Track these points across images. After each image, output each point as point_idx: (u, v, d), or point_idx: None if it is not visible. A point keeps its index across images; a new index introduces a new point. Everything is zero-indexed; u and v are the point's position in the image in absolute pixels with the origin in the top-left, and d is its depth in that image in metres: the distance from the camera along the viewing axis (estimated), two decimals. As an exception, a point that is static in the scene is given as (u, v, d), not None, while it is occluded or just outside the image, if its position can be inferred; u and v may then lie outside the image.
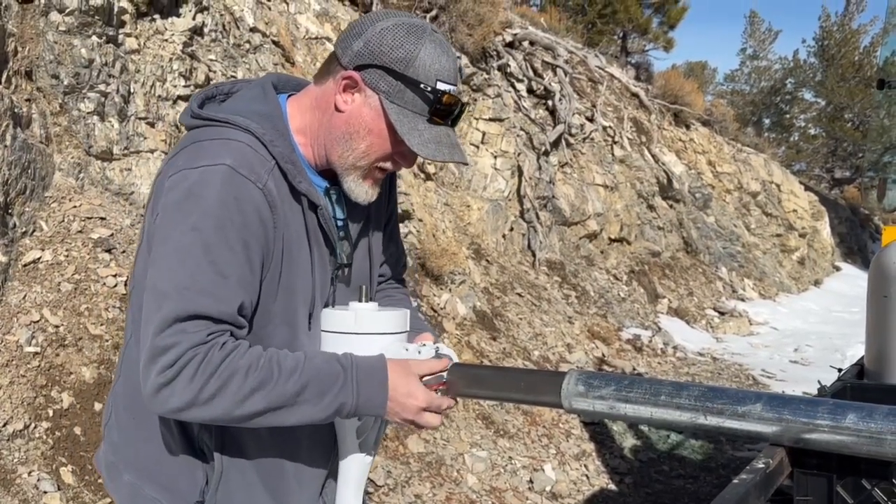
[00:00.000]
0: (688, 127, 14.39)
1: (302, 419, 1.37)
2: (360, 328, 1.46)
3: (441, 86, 1.41)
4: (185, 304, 1.31)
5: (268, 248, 1.40)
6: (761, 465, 1.31)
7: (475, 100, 8.58)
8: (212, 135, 1.43)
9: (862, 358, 2.98)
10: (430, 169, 7.57)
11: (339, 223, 1.54)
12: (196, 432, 1.45)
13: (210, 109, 1.49)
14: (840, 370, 2.99)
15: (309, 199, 1.45)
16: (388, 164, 1.49)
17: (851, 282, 16.24)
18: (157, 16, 4.95)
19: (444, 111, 1.43)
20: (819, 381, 2.70)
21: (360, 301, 1.50)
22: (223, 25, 5.67)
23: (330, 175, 1.52)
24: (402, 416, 1.44)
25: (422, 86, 1.40)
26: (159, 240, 1.37)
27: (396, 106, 1.41)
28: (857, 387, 2.56)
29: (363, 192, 1.49)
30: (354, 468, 1.54)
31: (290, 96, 1.55)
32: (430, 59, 1.40)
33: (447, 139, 1.45)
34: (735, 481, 1.24)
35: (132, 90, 4.58)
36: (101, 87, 4.34)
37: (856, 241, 21.16)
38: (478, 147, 8.41)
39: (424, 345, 1.50)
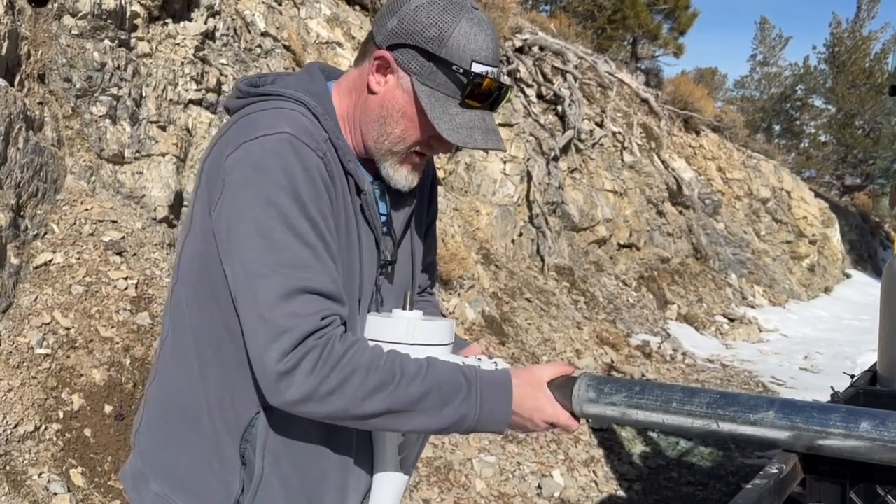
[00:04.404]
0: (698, 133, 14.36)
1: (420, 427, 1.32)
2: (413, 338, 1.38)
3: (476, 67, 1.33)
4: (284, 281, 1.24)
5: (332, 220, 1.34)
6: (774, 471, 1.30)
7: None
8: (262, 107, 1.37)
9: (875, 364, 2.97)
10: (439, 174, 7.58)
11: (383, 218, 1.47)
12: (241, 437, 1.37)
13: None
14: (853, 377, 2.97)
15: (355, 182, 1.39)
16: (424, 149, 1.42)
17: (862, 289, 16.16)
18: (169, 20, 4.98)
19: (480, 94, 1.34)
20: (832, 388, 2.68)
21: (404, 309, 1.43)
22: (234, 30, 5.69)
23: (372, 168, 1.46)
24: (527, 428, 1.39)
25: (454, 67, 1.32)
26: (233, 221, 1.28)
27: (428, 88, 1.34)
28: (870, 393, 2.55)
29: (402, 177, 1.43)
30: (392, 486, 1.48)
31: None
32: (465, 39, 1.32)
33: (482, 124, 1.37)
34: (748, 486, 1.24)
35: (144, 94, 4.60)
36: (113, 90, 4.36)
37: (866, 249, 21.06)
38: (487, 152, 8.41)
39: (480, 358, 1.43)
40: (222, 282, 1.33)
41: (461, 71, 1.32)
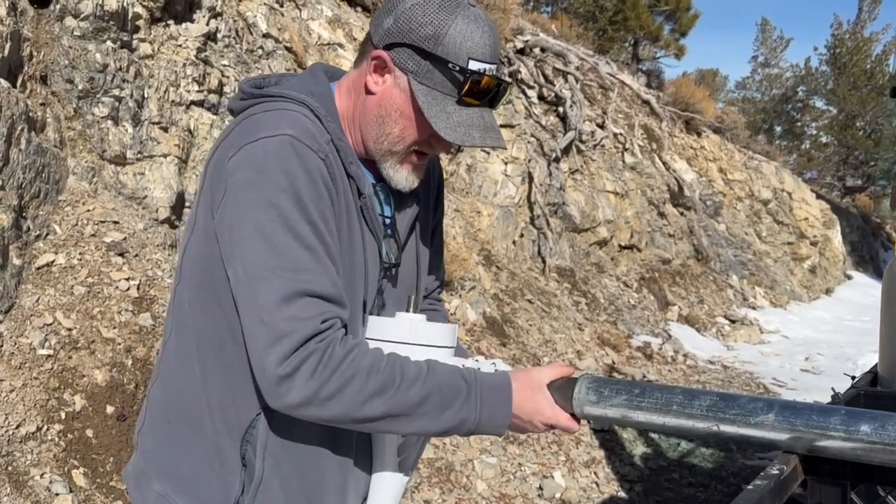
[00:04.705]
0: (699, 134, 14.37)
1: (420, 430, 1.32)
2: (415, 339, 1.38)
3: (473, 65, 1.32)
4: (284, 284, 1.25)
5: (333, 223, 1.34)
6: (775, 472, 1.30)
7: (486, 106, 8.60)
8: (265, 108, 1.37)
9: (875, 366, 2.97)
10: (441, 175, 7.58)
11: (387, 220, 1.47)
12: (241, 438, 1.38)
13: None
14: (853, 378, 2.98)
15: (356, 185, 1.38)
16: (424, 148, 1.41)
17: (863, 291, 16.16)
18: (171, 21, 4.99)
19: (478, 91, 1.33)
20: (833, 389, 2.69)
21: (407, 311, 1.42)
22: (236, 31, 5.70)
23: (376, 170, 1.45)
24: (527, 430, 1.40)
25: (450, 65, 1.31)
26: (235, 223, 1.29)
27: (425, 87, 1.33)
28: (870, 394, 2.55)
29: (402, 178, 1.42)
30: (391, 488, 1.47)
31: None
32: (461, 36, 1.31)
33: (480, 121, 1.36)
34: (749, 487, 1.24)
35: (146, 95, 4.61)
36: (115, 91, 4.37)
37: (867, 250, 21.06)
38: (488, 153, 8.42)
39: (478, 360, 1.42)
40: (225, 284, 1.33)
41: (457, 69, 1.31)
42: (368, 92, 1.39)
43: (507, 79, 1.35)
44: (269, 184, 1.27)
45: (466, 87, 1.32)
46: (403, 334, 1.38)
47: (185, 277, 1.42)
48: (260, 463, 1.37)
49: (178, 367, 1.44)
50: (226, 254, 1.31)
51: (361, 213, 1.40)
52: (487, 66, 1.34)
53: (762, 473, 1.31)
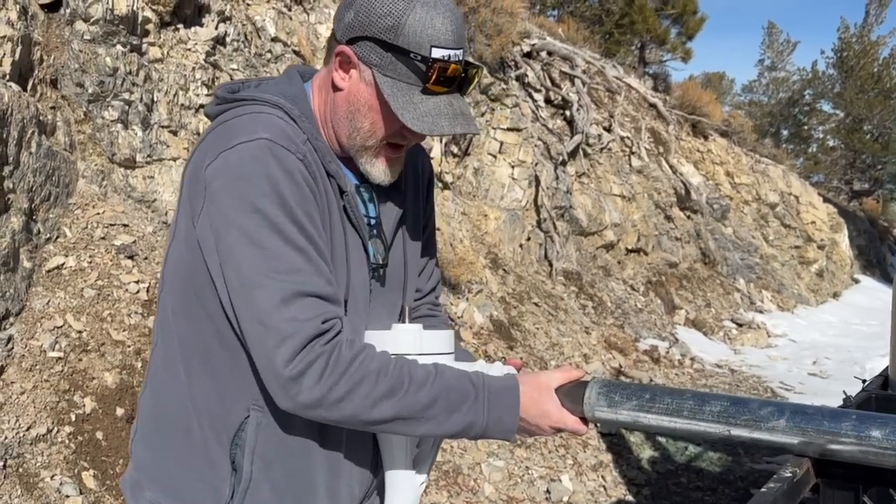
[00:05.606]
0: (706, 138, 14.35)
1: (428, 432, 1.32)
2: (421, 349, 1.37)
3: (436, 52, 1.29)
4: (280, 287, 1.24)
5: (319, 221, 1.33)
6: (787, 475, 1.31)
7: (493, 109, 8.61)
8: (239, 112, 1.35)
9: (886, 369, 2.97)
10: (448, 178, 7.59)
11: (372, 221, 1.46)
12: (230, 442, 1.37)
13: None
14: (864, 381, 2.98)
15: (337, 183, 1.38)
16: (398, 140, 1.39)
17: (870, 294, 16.10)
18: (180, 25, 5.01)
19: (445, 79, 1.30)
20: (844, 392, 2.69)
21: (403, 322, 1.42)
22: (245, 35, 5.72)
23: (358, 170, 1.43)
24: (535, 433, 1.40)
25: (412, 55, 1.28)
26: (221, 231, 1.27)
27: (390, 79, 1.31)
28: (882, 398, 2.55)
29: (379, 172, 1.40)
30: (410, 494, 1.46)
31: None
32: (421, 25, 1.28)
33: (448, 109, 1.33)
34: (762, 490, 1.24)
35: (155, 99, 4.63)
36: (125, 95, 4.39)
37: (875, 254, 20.98)
38: (495, 157, 8.43)
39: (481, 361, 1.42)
40: (209, 289, 1.33)
41: (419, 58, 1.29)
42: (336, 88, 1.38)
43: (475, 62, 1.34)
44: (250, 189, 1.26)
45: (430, 75, 1.30)
46: (408, 346, 1.38)
47: (167, 284, 1.42)
48: (248, 466, 1.37)
49: (164, 373, 1.44)
50: (213, 262, 1.30)
51: (345, 211, 1.39)
52: (451, 53, 1.31)
53: (775, 476, 1.31)
